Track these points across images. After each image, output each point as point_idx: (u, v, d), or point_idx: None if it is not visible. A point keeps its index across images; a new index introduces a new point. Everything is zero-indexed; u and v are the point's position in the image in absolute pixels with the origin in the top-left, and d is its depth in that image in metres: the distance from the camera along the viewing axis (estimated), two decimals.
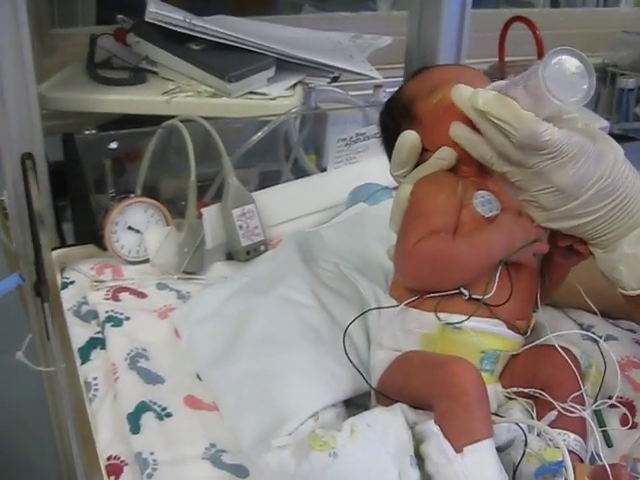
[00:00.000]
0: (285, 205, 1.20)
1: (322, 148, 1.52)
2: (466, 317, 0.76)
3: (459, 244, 0.77)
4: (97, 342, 0.95)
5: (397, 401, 0.75)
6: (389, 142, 0.94)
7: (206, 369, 0.89)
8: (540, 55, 1.95)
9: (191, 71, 1.24)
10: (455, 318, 0.77)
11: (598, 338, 0.83)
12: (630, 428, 0.82)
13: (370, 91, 1.59)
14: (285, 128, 1.38)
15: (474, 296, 0.77)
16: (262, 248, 1.14)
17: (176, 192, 1.20)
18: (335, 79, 1.34)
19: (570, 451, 0.72)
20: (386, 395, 0.77)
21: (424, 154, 0.85)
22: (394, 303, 0.83)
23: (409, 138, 0.85)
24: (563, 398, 0.75)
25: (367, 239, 1.10)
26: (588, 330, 1.00)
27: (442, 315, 0.77)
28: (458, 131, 0.79)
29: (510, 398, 0.78)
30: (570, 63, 0.70)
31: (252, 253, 1.13)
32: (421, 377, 0.74)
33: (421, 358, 0.78)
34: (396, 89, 0.96)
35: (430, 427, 0.68)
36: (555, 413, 0.75)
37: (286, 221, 1.20)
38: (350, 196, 1.21)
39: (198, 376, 0.89)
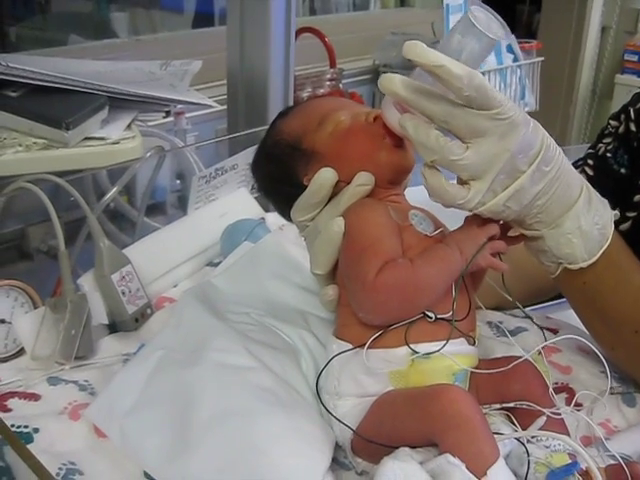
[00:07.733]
0: (157, 258, 1.08)
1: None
2: (443, 342, 0.75)
3: (419, 267, 0.74)
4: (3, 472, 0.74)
5: (390, 447, 0.71)
6: (278, 191, 0.90)
7: (160, 469, 0.75)
8: (332, 62, 2.00)
9: (14, 122, 1.06)
10: (423, 347, 0.76)
11: (543, 329, 0.87)
12: (578, 409, 0.85)
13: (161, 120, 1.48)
14: None
15: (439, 316, 0.76)
16: (149, 312, 1.02)
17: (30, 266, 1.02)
18: (168, 113, 1.23)
19: (569, 453, 0.74)
20: (380, 444, 0.72)
21: (334, 188, 0.82)
22: (344, 346, 0.79)
23: (328, 176, 0.81)
24: (541, 402, 0.77)
25: (264, 280, 1.04)
26: (498, 326, 1.04)
27: (413, 347, 0.75)
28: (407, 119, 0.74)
29: (485, 413, 0.78)
30: (479, 11, 0.80)
31: (140, 320, 1.00)
32: (413, 415, 0.72)
33: (404, 396, 0.75)
34: (265, 136, 0.90)
35: (449, 460, 0.66)
36: (544, 419, 0.77)
37: (162, 275, 1.08)
38: (225, 236, 1.13)
39: (146, 474, 0.76)
